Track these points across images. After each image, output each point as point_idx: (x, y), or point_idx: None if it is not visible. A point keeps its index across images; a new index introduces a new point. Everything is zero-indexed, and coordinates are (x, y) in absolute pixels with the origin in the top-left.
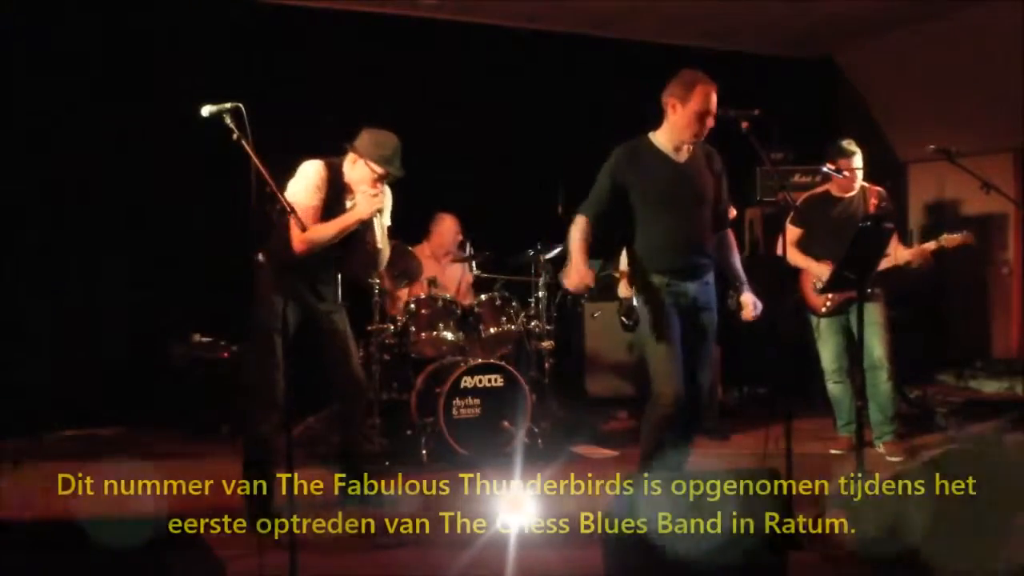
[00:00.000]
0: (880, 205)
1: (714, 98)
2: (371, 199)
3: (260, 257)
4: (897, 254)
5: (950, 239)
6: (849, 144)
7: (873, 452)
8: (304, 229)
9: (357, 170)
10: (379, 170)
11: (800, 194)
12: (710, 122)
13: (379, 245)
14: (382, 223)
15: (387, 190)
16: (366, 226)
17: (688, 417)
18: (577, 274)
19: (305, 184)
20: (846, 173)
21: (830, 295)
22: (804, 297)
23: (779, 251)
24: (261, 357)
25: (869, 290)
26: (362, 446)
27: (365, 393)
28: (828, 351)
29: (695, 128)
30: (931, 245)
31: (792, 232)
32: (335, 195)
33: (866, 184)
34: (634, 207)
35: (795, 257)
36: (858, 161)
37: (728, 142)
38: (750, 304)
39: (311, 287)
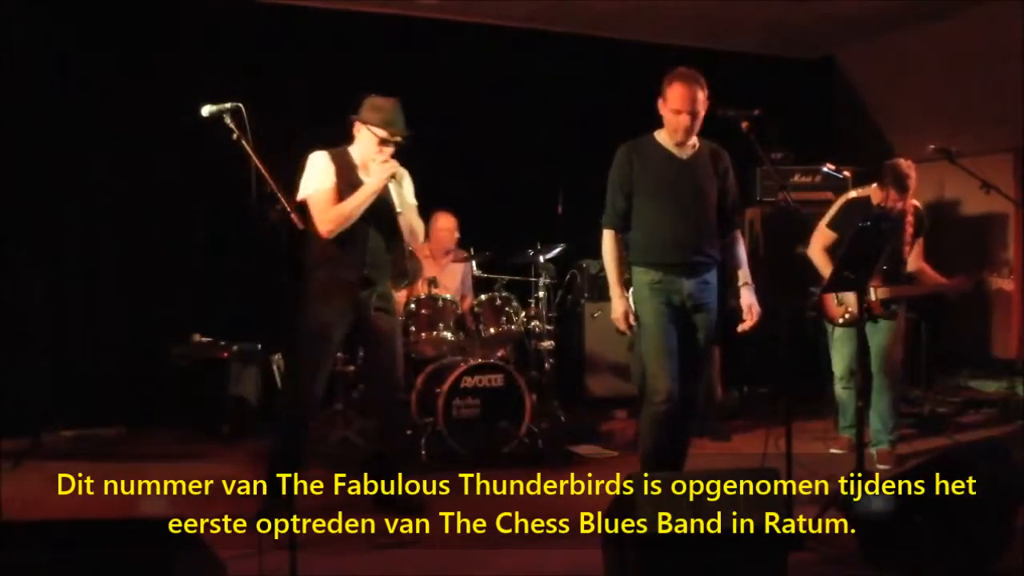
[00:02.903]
0: (912, 220)
1: (687, 94)
2: (382, 166)
3: (307, 260)
4: (934, 281)
5: (998, 281)
6: (909, 169)
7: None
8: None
9: (362, 142)
10: (381, 133)
11: (800, 194)
12: (684, 119)
13: (400, 211)
14: (401, 193)
15: (403, 170)
16: (386, 199)
17: (684, 415)
18: (617, 307)
19: (315, 171)
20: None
21: (849, 307)
22: (823, 304)
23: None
24: (307, 360)
25: (893, 307)
26: (399, 449)
27: (402, 400)
28: (841, 358)
29: (671, 124)
30: (973, 279)
31: (825, 235)
32: (347, 178)
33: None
34: (634, 202)
35: (818, 260)
36: (912, 182)
37: (728, 142)
38: (747, 309)
39: (361, 277)
